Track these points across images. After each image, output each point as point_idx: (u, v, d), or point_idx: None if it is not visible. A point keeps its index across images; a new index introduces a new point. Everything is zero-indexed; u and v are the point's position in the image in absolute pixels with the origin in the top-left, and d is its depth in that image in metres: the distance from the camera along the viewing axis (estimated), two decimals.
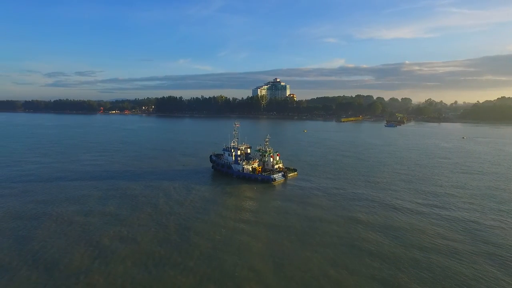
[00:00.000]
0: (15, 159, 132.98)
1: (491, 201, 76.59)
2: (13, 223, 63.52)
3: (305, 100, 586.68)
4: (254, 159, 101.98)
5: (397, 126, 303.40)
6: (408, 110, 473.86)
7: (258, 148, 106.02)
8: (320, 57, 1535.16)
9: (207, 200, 78.33)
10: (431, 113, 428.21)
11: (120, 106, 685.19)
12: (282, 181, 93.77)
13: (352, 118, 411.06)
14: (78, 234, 58.79)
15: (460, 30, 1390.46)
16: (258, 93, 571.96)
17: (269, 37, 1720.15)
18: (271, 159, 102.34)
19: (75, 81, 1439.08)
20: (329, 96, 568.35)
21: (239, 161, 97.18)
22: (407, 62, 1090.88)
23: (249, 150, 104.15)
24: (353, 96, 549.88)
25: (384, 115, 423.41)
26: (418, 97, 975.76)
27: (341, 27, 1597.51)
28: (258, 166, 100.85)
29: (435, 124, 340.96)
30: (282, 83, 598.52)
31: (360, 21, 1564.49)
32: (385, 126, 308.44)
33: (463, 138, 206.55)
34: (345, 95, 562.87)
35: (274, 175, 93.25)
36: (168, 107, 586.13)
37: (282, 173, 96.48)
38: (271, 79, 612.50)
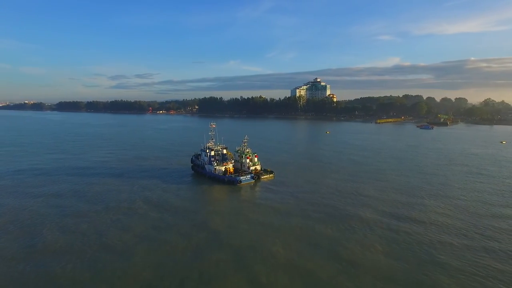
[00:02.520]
0: (36, 153, 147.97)
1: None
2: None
3: (345, 100, 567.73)
4: (229, 159, 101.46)
5: (433, 128, 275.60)
6: (460, 111, 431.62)
7: (237, 149, 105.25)
8: (372, 55, 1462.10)
9: (157, 195, 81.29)
10: (486, 114, 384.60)
11: (167, 106, 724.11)
12: (251, 183, 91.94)
13: (390, 120, 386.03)
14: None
15: None
16: (297, 93, 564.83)
17: (318, 36, 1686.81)
18: (248, 160, 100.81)
19: (135, 83, 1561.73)
20: (382, 96, 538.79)
21: (212, 162, 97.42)
22: (472, 58, 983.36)
23: (225, 151, 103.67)
24: (400, 96, 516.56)
25: (429, 116, 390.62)
26: (484, 97, 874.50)
27: (396, 23, 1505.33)
28: (233, 167, 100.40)
29: (486, 127, 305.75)
30: (323, 83, 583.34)
31: (418, 16, 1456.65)
32: (420, 128, 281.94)
33: (502, 143, 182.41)
34: (400, 95, 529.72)
35: (241, 177, 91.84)
36: (209, 108, 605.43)
37: (252, 175, 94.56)
38: (320, 79, 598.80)
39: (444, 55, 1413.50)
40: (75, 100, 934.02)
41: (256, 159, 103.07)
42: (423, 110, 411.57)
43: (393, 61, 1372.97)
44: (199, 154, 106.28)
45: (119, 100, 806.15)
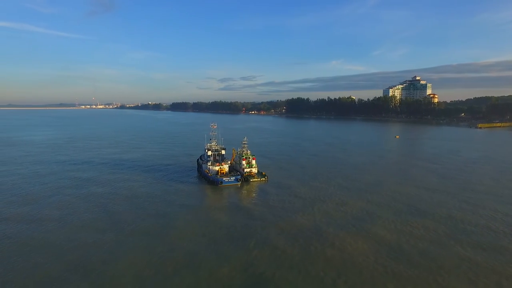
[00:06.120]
0: (105, 146, 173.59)
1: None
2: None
3: (455, 100, 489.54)
4: (226, 160, 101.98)
5: None
6: None
7: (238, 150, 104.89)
8: (507, 47, 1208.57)
9: (141, 186, 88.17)
10: None
11: (258, 107, 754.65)
12: (236, 185, 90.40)
13: (499, 124, 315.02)
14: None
15: None
16: (390, 93, 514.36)
17: (434, 29, 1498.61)
18: (243, 162, 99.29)
19: (240, 85, 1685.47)
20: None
21: (207, 161, 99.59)
22: None
23: (223, 152, 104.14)
24: None
25: None
26: None
27: None
28: (232, 167, 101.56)
29: None
30: (422, 82, 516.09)
31: None
32: None
33: None
34: None
35: (224, 178, 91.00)
36: (296, 108, 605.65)
37: (237, 177, 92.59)
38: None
39: None
40: (185, 101, 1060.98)
41: (254, 161, 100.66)
42: None
43: None
44: (203, 155, 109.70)
45: (218, 101, 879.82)
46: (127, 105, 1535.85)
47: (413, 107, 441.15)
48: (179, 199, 77.95)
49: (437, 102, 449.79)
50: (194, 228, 59.69)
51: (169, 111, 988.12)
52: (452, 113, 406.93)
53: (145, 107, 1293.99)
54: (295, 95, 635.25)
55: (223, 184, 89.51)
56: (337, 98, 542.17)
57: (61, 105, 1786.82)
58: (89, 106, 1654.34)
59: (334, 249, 50.55)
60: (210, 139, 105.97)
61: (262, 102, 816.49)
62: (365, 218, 64.39)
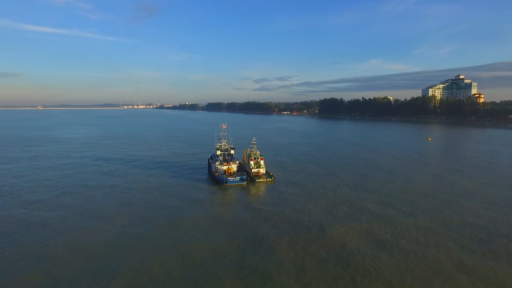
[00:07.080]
0: (129, 144, 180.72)
1: None
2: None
3: (505, 101, 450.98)
4: (235, 160, 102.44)
5: None
6: None
7: (249, 150, 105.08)
8: None
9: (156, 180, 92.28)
10: None
11: (291, 107, 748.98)
12: (242, 185, 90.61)
13: None
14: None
15: None
16: (430, 93, 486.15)
17: (486, 23, 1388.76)
18: (251, 162, 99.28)
19: (275, 85, 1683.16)
20: None
21: (216, 161, 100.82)
22: None
23: (232, 151, 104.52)
24: None
25: None
26: None
27: None
28: (241, 167, 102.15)
29: None
30: (467, 81, 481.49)
31: None
32: None
33: None
34: None
35: (230, 178, 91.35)
36: (330, 109, 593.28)
37: (242, 176, 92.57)
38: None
39: None
40: (220, 102, 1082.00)
41: (262, 162, 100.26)
42: None
43: None
44: (214, 154, 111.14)
45: (251, 101, 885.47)
46: (166, 105, 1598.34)
47: (454, 108, 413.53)
48: (182, 196, 79.89)
49: (483, 102, 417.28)
50: (190, 224, 61.04)
51: (204, 111, 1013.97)
52: (499, 114, 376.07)
53: (182, 107, 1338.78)
54: (331, 96, 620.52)
55: (228, 184, 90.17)
56: (372, 98, 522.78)
57: (106, 105, 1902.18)
58: (131, 106, 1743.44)
59: (330, 250, 49.50)
60: (220, 139, 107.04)
61: (295, 103, 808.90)
62: (367, 219, 62.43)
